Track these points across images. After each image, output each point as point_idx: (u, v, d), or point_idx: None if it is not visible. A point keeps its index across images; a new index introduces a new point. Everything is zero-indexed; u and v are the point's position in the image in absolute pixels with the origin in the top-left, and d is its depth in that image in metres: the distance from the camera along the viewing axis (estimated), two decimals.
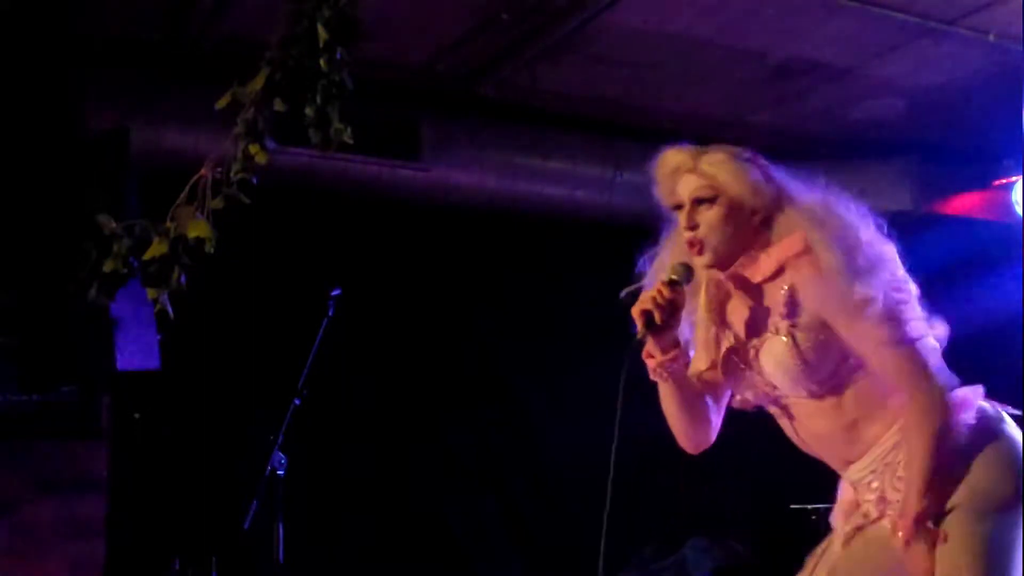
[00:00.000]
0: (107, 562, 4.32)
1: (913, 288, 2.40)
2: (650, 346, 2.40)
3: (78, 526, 4.29)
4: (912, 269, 2.45)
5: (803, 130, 5.85)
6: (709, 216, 2.39)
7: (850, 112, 5.64)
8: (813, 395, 2.36)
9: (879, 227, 2.40)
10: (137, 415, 4.78)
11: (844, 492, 2.54)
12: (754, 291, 2.42)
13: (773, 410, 2.49)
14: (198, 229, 3.13)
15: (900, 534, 2.25)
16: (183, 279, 3.21)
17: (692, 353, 2.52)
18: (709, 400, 2.53)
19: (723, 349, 2.44)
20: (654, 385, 2.54)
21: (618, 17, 4.66)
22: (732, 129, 5.61)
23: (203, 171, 3.18)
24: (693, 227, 2.40)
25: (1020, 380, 4.63)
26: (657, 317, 2.32)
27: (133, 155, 4.69)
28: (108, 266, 3.22)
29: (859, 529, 2.41)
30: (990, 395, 2.42)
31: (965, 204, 6.05)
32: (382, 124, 5.17)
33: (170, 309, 3.23)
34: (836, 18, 4.68)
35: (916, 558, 2.25)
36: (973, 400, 2.34)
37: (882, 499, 2.35)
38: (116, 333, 4.33)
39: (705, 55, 5.03)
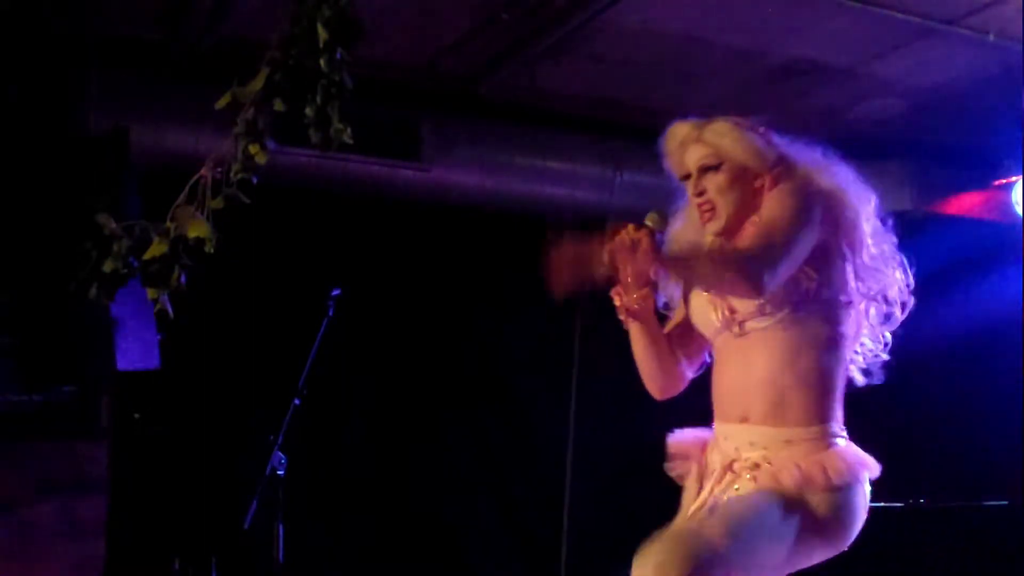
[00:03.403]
0: (107, 562, 4.32)
1: (898, 279, 2.49)
2: (619, 286, 2.54)
3: (78, 526, 4.28)
4: (912, 269, 2.47)
5: (803, 130, 5.83)
6: (715, 181, 2.50)
7: (850, 112, 5.63)
8: (764, 311, 2.38)
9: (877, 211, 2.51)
10: (137, 415, 4.78)
11: (694, 453, 2.52)
12: None
13: (720, 347, 2.51)
14: (198, 229, 3.13)
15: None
16: (183, 279, 3.21)
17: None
18: (680, 355, 2.61)
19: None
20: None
21: (618, 17, 4.65)
22: None
23: (203, 171, 3.17)
24: (701, 193, 2.51)
25: (1020, 380, 4.63)
26: (605, 258, 2.50)
27: (133, 155, 4.69)
28: (108, 266, 3.21)
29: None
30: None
31: (965, 204, 6.05)
32: (382, 124, 5.16)
33: (170, 309, 3.23)
34: (836, 18, 4.68)
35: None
36: (871, 467, 2.37)
37: (759, 466, 2.34)
38: (116, 333, 4.34)
39: (705, 55, 5.03)
